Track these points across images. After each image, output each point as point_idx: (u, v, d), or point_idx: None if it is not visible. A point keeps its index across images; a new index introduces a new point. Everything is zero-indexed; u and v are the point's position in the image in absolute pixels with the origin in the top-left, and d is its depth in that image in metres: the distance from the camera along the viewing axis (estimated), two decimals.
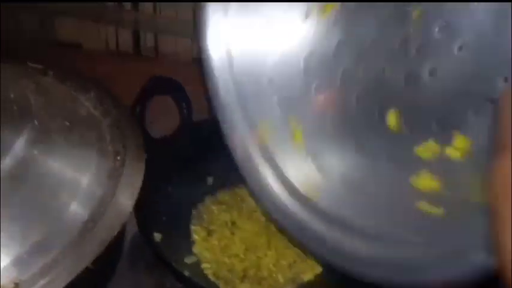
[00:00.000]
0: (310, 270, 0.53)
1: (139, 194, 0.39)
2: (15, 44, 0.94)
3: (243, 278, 0.51)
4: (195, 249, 0.53)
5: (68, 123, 0.39)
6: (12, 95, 0.36)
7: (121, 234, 0.40)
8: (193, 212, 0.57)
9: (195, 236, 0.54)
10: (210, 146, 0.59)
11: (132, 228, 0.48)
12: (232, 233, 0.55)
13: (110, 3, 0.92)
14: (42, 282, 0.28)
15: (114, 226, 0.34)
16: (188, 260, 0.50)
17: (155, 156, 0.53)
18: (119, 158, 0.40)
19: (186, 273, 0.44)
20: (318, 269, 0.52)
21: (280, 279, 0.51)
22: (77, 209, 0.34)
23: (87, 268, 0.30)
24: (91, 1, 0.91)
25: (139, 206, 0.45)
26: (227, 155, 0.60)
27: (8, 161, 0.31)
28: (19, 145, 0.33)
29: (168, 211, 0.52)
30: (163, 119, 0.59)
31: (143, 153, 0.42)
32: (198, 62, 1.04)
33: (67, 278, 0.29)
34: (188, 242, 0.53)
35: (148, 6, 0.93)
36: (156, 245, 0.45)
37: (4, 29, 0.90)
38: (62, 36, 0.96)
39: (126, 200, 0.37)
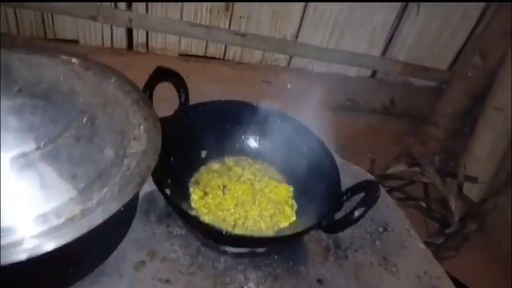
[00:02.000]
0: (286, 220, 0.65)
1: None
2: (16, 38, 1.01)
3: (234, 226, 0.63)
4: (195, 205, 0.64)
5: (103, 100, 0.49)
6: (61, 78, 0.47)
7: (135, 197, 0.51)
8: (191, 178, 0.68)
9: (194, 196, 0.66)
10: (203, 125, 0.70)
11: (144, 188, 0.58)
12: (224, 193, 0.67)
13: (106, 3, 1.01)
14: (99, 208, 0.39)
15: (145, 174, 0.45)
16: (190, 213, 0.61)
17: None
18: (141, 127, 0.50)
19: (192, 213, 0.55)
20: (292, 219, 0.65)
21: (263, 226, 0.64)
22: (116, 161, 0.45)
23: (119, 210, 0.40)
24: (90, 0, 1.00)
25: (154, 168, 0.56)
26: (217, 133, 0.72)
27: (71, 125, 0.42)
28: (73, 114, 0.44)
29: (172, 175, 0.63)
30: (166, 102, 0.70)
31: (159, 124, 0.52)
32: (184, 57, 1.16)
33: (115, 208, 0.40)
34: (189, 201, 0.64)
35: (142, 6, 1.03)
36: (168, 196, 0.56)
37: (5, 24, 0.97)
38: (61, 33, 1.04)
39: (151, 155, 0.48)
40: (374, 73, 1.32)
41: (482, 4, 1.20)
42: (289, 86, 1.20)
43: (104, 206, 0.41)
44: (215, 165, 0.74)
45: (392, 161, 1.21)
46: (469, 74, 1.21)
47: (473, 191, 1.14)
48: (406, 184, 1.20)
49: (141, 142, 0.49)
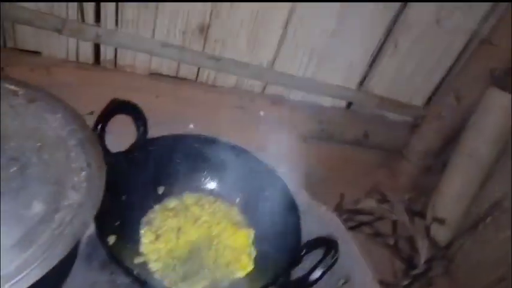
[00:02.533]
0: (243, 269, 0.62)
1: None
2: None
3: (184, 278, 0.59)
4: (144, 250, 0.60)
5: (39, 144, 0.45)
6: None
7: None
8: (144, 218, 0.64)
9: (144, 240, 0.61)
10: (161, 160, 0.66)
11: (88, 231, 0.54)
12: (178, 238, 0.63)
13: (73, 16, 0.96)
14: (19, 276, 0.34)
15: (79, 233, 0.40)
16: (137, 260, 0.57)
17: (113, 169, 0.59)
18: (82, 174, 0.46)
19: (135, 271, 0.51)
20: (249, 268, 0.62)
21: (217, 275, 0.60)
22: (45, 218, 0.40)
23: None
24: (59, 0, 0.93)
25: (97, 213, 0.51)
26: (176, 168, 0.68)
27: None
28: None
29: (122, 217, 0.59)
30: (122, 135, 0.65)
31: (104, 170, 0.48)
32: (154, 76, 1.11)
33: (39, 274, 0.36)
34: (138, 245, 0.60)
35: (111, 21, 0.98)
36: (109, 247, 0.52)
37: None
38: (21, 43, 0.98)
39: (89, 210, 0.43)
40: (349, 105, 1.31)
41: (462, 42, 1.21)
42: (262, 113, 1.17)
43: (26, 273, 0.37)
44: (172, 203, 0.70)
45: (362, 196, 1.20)
46: (442, 114, 1.21)
47: (440, 233, 1.14)
48: (375, 220, 1.19)
49: (79, 192, 0.44)
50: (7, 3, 0.91)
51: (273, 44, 1.10)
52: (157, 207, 0.67)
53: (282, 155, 1.08)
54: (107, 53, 1.04)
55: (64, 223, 0.41)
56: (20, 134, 0.44)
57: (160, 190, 0.69)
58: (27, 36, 0.98)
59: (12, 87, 0.52)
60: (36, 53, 1.01)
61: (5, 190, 0.38)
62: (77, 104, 0.60)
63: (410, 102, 1.34)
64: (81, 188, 0.45)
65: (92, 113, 0.77)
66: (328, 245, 0.53)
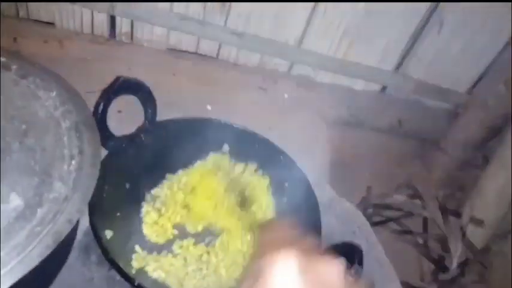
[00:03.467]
0: None
1: (95, 194, 0.41)
2: None
3: (184, 277, 0.53)
4: (146, 232, 0.55)
5: (24, 127, 0.40)
6: None
7: (72, 232, 0.42)
8: (148, 196, 0.59)
9: (146, 219, 0.56)
10: (168, 146, 0.61)
11: (84, 220, 0.49)
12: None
13: None
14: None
15: (62, 231, 0.35)
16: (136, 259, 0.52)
17: (115, 154, 0.54)
18: (73, 162, 0.41)
19: (132, 272, 0.46)
20: None
21: (223, 273, 0.55)
22: (25, 213, 0.35)
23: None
24: None
25: (93, 205, 0.46)
26: (185, 155, 0.63)
27: None
28: None
29: (123, 207, 0.54)
30: (127, 117, 0.60)
31: (99, 160, 0.43)
32: (172, 52, 1.05)
33: (13, 278, 0.31)
34: (140, 237, 0.55)
35: None
36: (104, 243, 0.47)
37: None
38: (35, 13, 0.94)
39: (76, 204, 0.38)
40: (383, 89, 1.21)
41: None
42: (286, 96, 1.09)
43: None
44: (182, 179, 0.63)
45: (392, 189, 1.11)
46: (489, 102, 1.10)
47: (477, 234, 1.04)
48: (405, 216, 1.11)
49: (67, 183, 0.39)
50: None
51: (301, 20, 1.01)
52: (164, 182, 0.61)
53: (305, 142, 1.01)
54: (122, 25, 0.99)
55: (46, 220, 0.36)
56: (3, 115, 0.39)
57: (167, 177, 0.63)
58: (40, 6, 0.94)
59: (4, 59, 0.47)
60: (49, 24, 0.97)
61: None
62: (89, 80, 0.55)
63: (452, 88, 1.23)
64: (70, 179, 0.39)
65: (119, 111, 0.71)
66: (352, 253, 0.47)
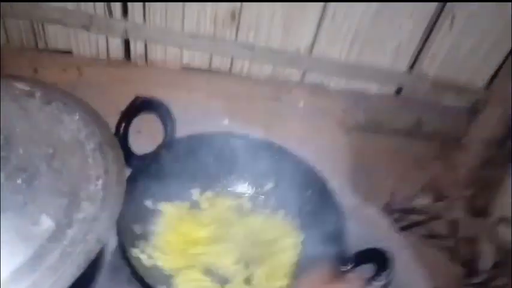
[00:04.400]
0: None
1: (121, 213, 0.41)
2: (5, 48, 0.95)
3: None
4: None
5: (51, 150, 0.41)
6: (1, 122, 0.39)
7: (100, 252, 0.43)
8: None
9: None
10: (190, 161, 0.62)
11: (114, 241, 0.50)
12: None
13: (100, 12, 0.94)
14: None
15: (92, 250, 0.36)
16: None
17: (138, 172, 0.55)
18: (100, 182, 0.42)
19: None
20: None
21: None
22: (56, 234, 0.36)
23: None
24: (81, 1, 0.92)
25: (120, 224, 0.47)
26: (207, 169, 0.63)
27: None
28: (4, 175, 0.36)
29: (146, 224, 0.55)
30: (146, 135, 0.62)
31: (124, 178, 0.44)
32: (186, 71, 1.07)
33: None
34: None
35: (138, 15, 0.95)
36: (132, 265, 0.48)
37: None
38: (53, 43, 0.98)
39: (104, 222, 0.39)
40: (399, 91, 1.20)
41: None
42: (301, 105, 1.09)
43: None
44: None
45: (415, 192, 1.09)
46: (507, 97, 1.07)
47: (507, 235, 1.01)
48: (431, 219, 1.08)
49: (95, 203, 0.40)
50: (33, 4, 0.90)
51: (310, 27, 1.02)
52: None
53: (323, 150, 1.00)
54: (137, 48, 1.01)
55: (77, 240, 0.37)
56: (30, 140, 0.41)
57: (192, 193, 0.64)
58: (57, 36, 0.98)
59: (28, 88, 0.49)
60: (67, 52, 1.01)
61: (9, 205, 0.35)
62: (108, 103, 0.56)
63: (470, 84, 1.20)
64: (97, 198, 0.40)
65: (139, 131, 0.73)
66: (381, 259, 0.46)
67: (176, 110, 0.63)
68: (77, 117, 0.49)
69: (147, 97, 0.56)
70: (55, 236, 0.36)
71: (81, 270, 0.35)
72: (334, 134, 1.10)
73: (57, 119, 0.47)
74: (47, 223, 0.36)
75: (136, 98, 0.56)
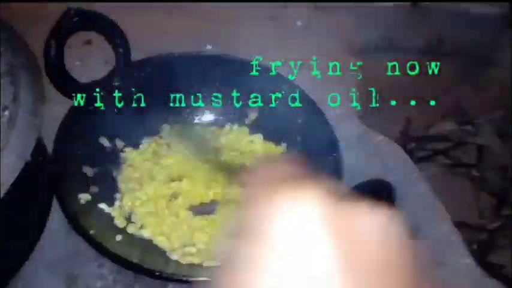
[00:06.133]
0: None
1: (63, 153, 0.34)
2: None
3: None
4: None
5: None
6: None
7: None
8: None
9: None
10: (149, 90, 0.52)
11: None
12: None
13: None
14: None
15: None
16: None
17: (85, 104, 0.47)
18: (6, 113, 0.33)
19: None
20: None
21: None
22: None
23: None
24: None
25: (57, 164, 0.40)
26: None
27: None
28: None
29: (99, 166, 0.47)
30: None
31: (41, 108, 0.35)
32: None
33: None
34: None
35: None
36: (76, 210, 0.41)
37: None
38: None
39: (12, 160, 0.31)
40: (416, 1, 1.05)
41: None
42: (299, 23, 0.96)
43: None
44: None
45: (437, 118, 0.98)
46: None
47: None
48: (455, 146, 0.98)
49: None
50: None
51: None
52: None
53: (328, 75, 0.91)
54: None
55: None
56: None
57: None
58: None
59: None
60: None
61: None
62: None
63: None
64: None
65: (89, 41, 0.64)
66: (381, 191, 0.37)
67: (152, 35, 0.54)
68: None
69: (83, 9, 0.45)
70: None
71: None
72: (340, 57, 0.97)
73: None
74: None
75: (68, 11, 0.45)
